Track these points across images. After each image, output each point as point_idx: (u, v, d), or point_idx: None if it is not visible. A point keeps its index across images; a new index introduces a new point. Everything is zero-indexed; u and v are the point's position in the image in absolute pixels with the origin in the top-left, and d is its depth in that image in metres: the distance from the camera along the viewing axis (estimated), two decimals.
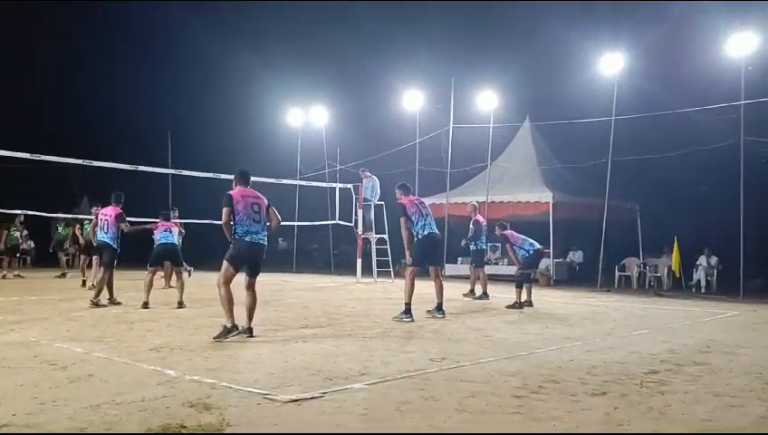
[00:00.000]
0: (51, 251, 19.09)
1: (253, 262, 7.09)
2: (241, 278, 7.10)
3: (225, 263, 6.99)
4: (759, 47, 14.97)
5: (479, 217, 13.42)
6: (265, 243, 7.11)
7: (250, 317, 7.02)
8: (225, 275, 6.96)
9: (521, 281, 11.09)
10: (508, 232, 11.61)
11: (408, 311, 8.71)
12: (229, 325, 6.78)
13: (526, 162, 20.33)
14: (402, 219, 9.12)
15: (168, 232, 10.42)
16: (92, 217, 12.77)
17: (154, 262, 10.44)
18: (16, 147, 12.74)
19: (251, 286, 7.12)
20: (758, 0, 16.06)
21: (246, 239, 6.90)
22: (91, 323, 7.97)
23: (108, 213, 10.29)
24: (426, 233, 9.13)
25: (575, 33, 20.96)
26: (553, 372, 5.35)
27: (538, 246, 11.36)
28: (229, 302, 6.85)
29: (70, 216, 18.52)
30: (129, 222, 10.53)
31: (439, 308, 9.20)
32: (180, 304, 9.84)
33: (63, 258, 18.51)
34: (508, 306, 10.81)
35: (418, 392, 4.57)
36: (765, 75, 15.25)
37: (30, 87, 26.73)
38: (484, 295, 12.46)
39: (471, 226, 13.17)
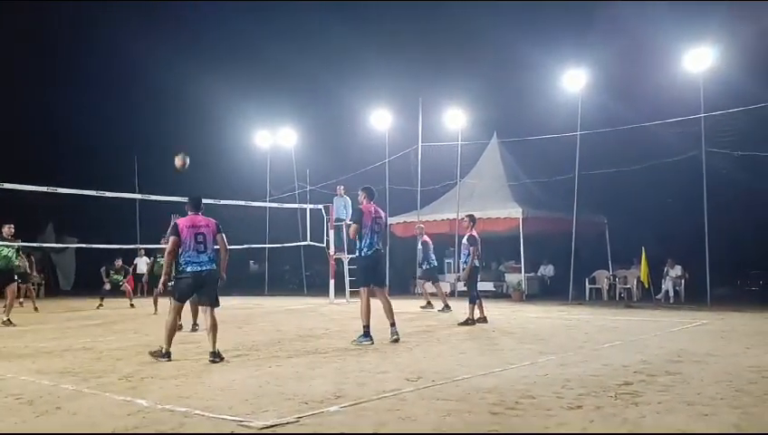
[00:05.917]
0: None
1: (201, 290, 7.13)
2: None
3: (171, 299, 7.32)
4: (716, 61, 15.41)
5: (426, 238, 14.20)
6: (212, 268, 7.12)
7: (214, 341, 6.92)
8: (173, 307, 7.25)
9: (474, 297, 10.87)
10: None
11: (367, 334, 8.19)
12: (164, 350, 6.97)
13: (495, 179, 20.54)
14: (354, 226, 8.49)
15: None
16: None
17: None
18: None
19: (209, 312, 7.13)
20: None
21: (188, 270, 7.04)
22: (58, 355, 7.77)
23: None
24: (371, 252, 8.45)
25: (539, 51, 21.35)
26: (529, 387, 5.36)
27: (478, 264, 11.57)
28: (170, 331, 7.03)
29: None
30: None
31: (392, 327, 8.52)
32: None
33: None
34: (460, 323, 10.61)
35: (395, 413, 4.52)
36: (723, 88, 15.71)
37: None
38: (447, 308, 12.94)
39: (420, 246, 13.74)
